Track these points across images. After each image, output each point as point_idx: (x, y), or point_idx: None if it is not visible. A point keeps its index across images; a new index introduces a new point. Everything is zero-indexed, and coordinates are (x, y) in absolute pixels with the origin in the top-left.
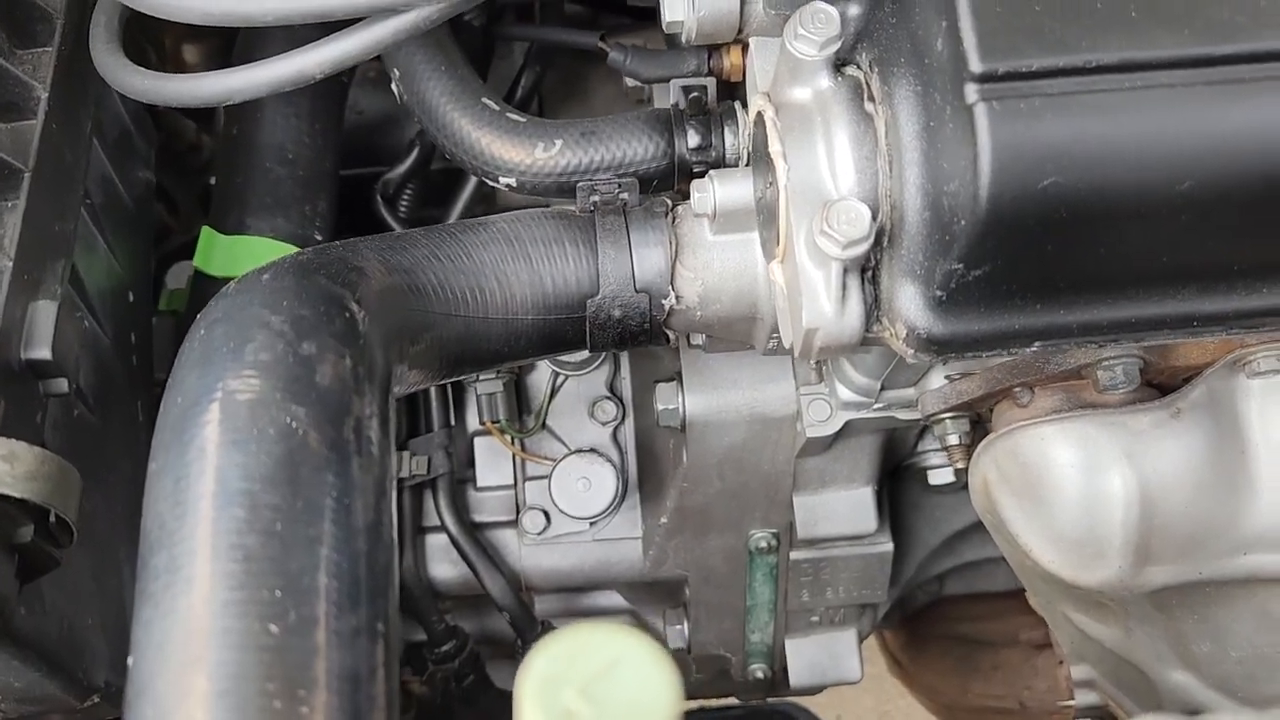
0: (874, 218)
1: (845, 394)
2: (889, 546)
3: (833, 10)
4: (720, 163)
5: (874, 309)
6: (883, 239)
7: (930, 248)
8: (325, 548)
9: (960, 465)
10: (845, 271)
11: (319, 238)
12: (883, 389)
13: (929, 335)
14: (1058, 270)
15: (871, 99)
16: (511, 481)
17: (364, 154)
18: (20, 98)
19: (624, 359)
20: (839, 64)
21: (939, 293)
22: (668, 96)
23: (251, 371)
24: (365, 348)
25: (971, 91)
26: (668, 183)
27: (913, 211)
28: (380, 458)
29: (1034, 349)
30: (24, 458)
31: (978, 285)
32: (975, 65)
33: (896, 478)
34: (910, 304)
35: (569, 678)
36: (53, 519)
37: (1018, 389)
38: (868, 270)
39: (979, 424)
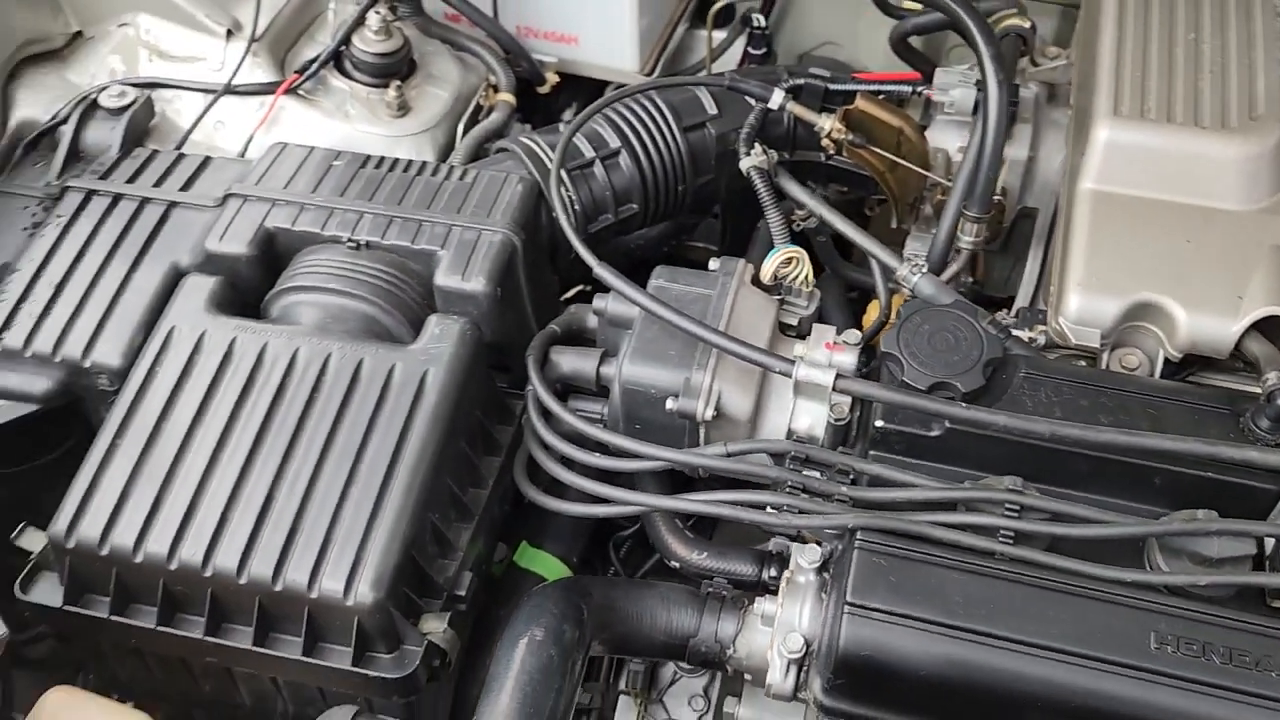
0: (808, 647)
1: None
2: None
3: (816, 550)
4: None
5: (804, 684)
6: (811, 654)
7: (823, 664)
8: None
9: None
10: (789, 664)
11: (575, 559)
12: None
13: (822, 705)
14: (878, 694)
15: (825, 592)
16: None
17: None
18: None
19: (718, 675)
20: (822, 566)
21: (827, 685)
22: None
23: (540, 632)
24: (584, 632)
25: (844, 605)
26: (758, 582)
27: (822, 646)
28: (576, 684)
29: None
30: None
31: (839, 688)
32: (849, 596)
33: None
34: (816, 687)
35: None
36: None
37: None
38: (804, 666)
39: None
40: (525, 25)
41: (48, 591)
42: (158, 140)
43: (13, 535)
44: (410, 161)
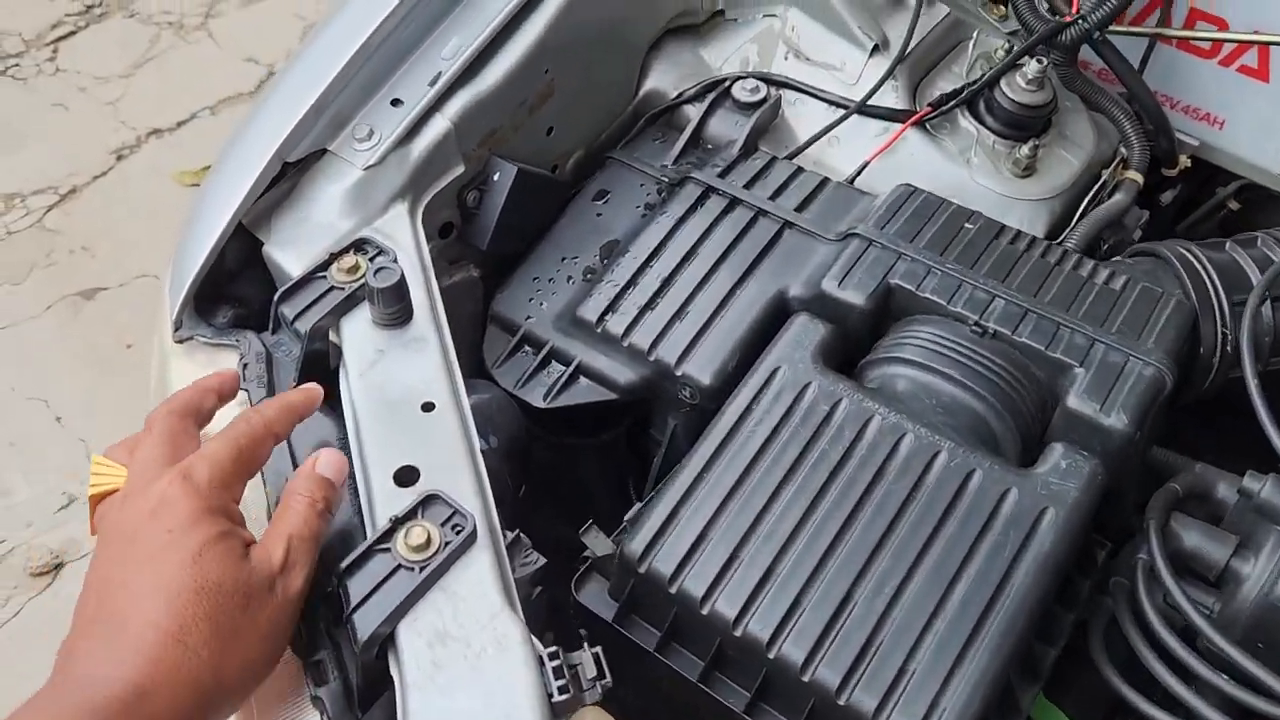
0: None
1: None
2: None
3: None
4: None
5: None
6: None
7: None
8: None
9: None
10: None
11: None
12: None
13: None
14: None
15: None
16: None
17: None
18: None
19: None
20: None
21: None
22: None
23: None
24: None
25: None
26: None
27: None
28: None
29: None
30: None
31: None
32: None
33: None
34: None
35: None
36: None
37: None
38: None
39: None
40: (1166, 93)
41: (596, 598)
42: (770, 139)
43: (580, 531)
44: (1050, 244)
